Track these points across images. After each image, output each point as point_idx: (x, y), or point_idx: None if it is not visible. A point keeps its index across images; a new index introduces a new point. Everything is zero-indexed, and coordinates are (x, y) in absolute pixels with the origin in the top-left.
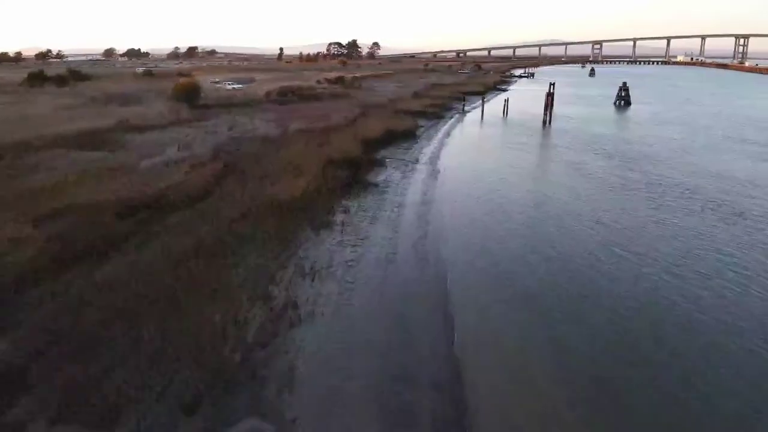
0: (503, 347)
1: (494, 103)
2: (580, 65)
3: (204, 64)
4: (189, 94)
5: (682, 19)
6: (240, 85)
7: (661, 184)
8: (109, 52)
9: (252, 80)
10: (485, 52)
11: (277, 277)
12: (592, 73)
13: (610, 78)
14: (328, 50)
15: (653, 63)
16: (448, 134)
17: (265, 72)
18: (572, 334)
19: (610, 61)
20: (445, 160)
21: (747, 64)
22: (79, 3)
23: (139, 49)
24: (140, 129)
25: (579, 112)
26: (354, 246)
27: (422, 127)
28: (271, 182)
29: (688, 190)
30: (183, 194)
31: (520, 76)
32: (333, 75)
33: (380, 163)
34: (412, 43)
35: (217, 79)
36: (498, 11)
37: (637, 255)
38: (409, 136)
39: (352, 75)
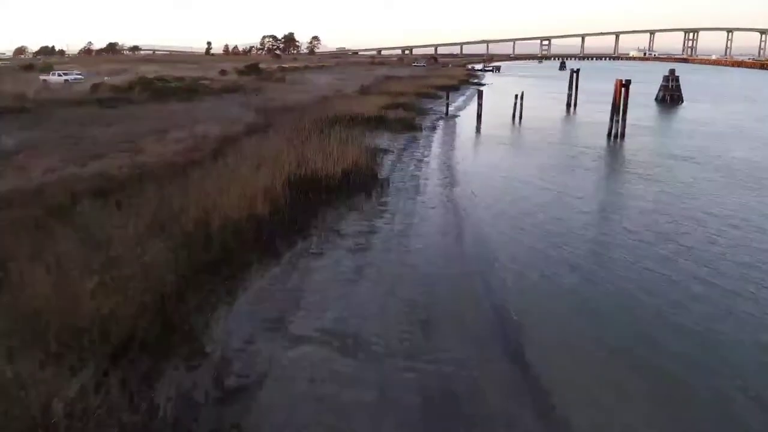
0: None
1: (483, 103)
2: (537, 61)
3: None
4: None
5: (630, 14)
6: (80, 77)
7: None
8: (20, 50)
9: (123, 72)
10: (431, 49)
11: None
12: (562, 66)
13: (586, 72)
14: (262, 44)
15: (604, 59)
16: (452, 177)
17: (160, 63)
18: None
19: (558, 58)
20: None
21: (714, 57)
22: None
23: (53, 47)
24: None
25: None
26: None
27: (389, 153)
28: None
29: None
30: None
31: (483, 70)
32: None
33: None
34: (355, 42)
35: (59, 72)
36: (443, 8)
37: None
38: (361, 188)
39: (277, 65)
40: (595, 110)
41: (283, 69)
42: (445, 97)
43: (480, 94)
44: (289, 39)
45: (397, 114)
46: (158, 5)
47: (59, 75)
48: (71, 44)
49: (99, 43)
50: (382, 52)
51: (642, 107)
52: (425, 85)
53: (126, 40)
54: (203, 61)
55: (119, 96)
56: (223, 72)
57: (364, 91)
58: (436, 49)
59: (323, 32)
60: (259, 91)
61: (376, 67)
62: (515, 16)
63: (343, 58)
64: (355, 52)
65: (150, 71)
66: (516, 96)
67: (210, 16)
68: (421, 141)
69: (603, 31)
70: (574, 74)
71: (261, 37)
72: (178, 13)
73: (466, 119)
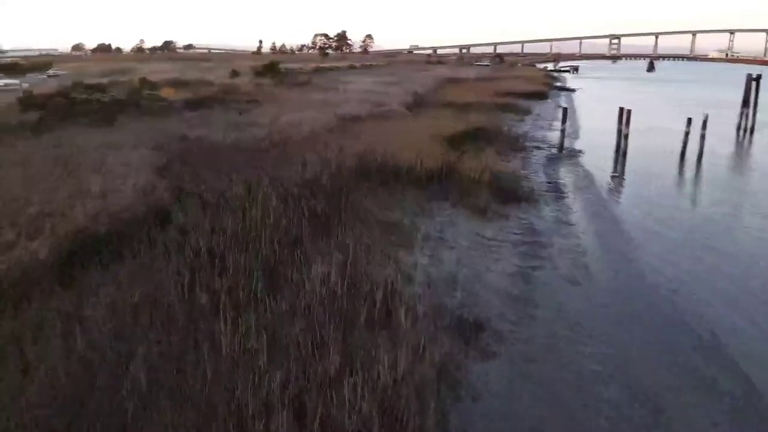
0: None
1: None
2: (611, 61)
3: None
4: None
5: (708, 12)
6: (15, 82)
7: None
8: (78, 47)
9: (119, 72)
10: (491, 48)
11: None
12: (650, 68)
13: (675, 74)
14: (314, 43)
15: (681, 59)
16: None
17: (180, 62)
18: None
19: (631, 57)
20: None
21: None
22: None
23: (110, 45)
24: None
25: None
26: None
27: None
28: None
29: None
30: None
31: (559, 71)
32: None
33: None
34: (410, 41)
35: None
36: (505, 4)
37: None
38: None
39: (315, 65)
40: None
41: (318, 69)
42: (536, 113)
43: (625, 117)
44: (342, 37)
45: (479, 162)
46: (231, 6)
47: None
48: (134, 43)
49: (159, 42)
50: (438, 51)
51: None
52: (501, 92)
53: (187, 40)
54: (240, 59)
55: None
56: (234, 73)
57: (417, 102)
58: (495, 48)
59: (377, 31)
60: (251, 106)
61: (433, 67)
62: (582, 13)
63: (395, 57)
64: (410, 51)
65: (154, 70)
66: (689, 120)
67: (276, 17)
68: (558, 260)
69: (678, 30)
70: (753, 82)
71: (313, 35)
72: (245, 14)
73: (596, 160)
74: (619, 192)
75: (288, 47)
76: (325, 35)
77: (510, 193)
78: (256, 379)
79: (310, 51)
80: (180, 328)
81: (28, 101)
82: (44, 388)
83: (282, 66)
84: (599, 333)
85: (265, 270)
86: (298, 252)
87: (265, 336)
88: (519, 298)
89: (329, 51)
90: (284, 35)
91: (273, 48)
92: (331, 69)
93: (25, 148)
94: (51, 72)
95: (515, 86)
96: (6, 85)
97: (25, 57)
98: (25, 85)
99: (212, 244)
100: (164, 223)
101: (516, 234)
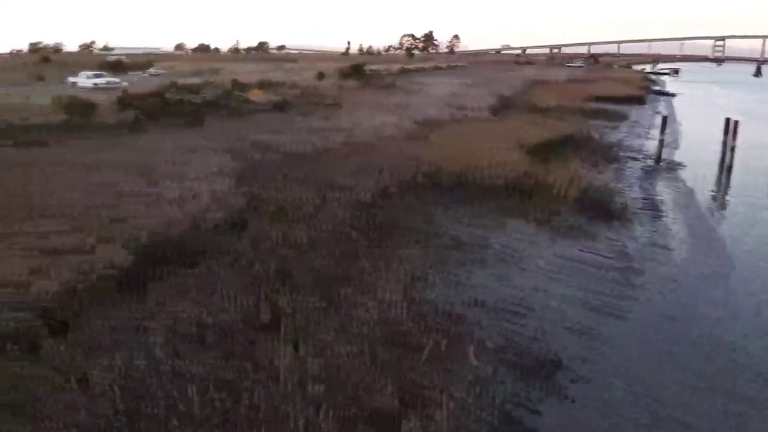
0: None
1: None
2: (715, 63)
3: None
4: None
5: None
6: (116, 80)
7: None
8: (180, 47)
9: (207, 72)
10: (584, 48)
11: None
12: (757, 72)
13: None
14: (401, 44)
15: None
16: None
17: (266, 63)
18: None
19: (736, 61)
20: None
21: None
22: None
23: (209, 45)
24: None
25: None
26: None
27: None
28: None
29: None
30: None
31: (658, 73)
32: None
33: None
34: (499, 42)
35: (87, 73)
36: (599, 2)
37: None
38: None
39: (400, 66)
40: None
41: (403, 70)
42: (632, 120)
43: (731, 128)
44: (428, 38)
45: (567, 172)
46: (322, 8)
47: (87, 77)
48: (231, 43)
49: (254, 43)
50: (527, 51)
51: None
52: (594, 96)
53: (281, 41)
54: (328, 60)
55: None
56: (320, 75)
57: (503, 105)
58: (589, 48)
59: (467, 31)
60: (334, 109)
61: (520, 68)
62: (684, 12)
63: (482, 57)
64: (498, 51)
65: (249, 71)
66: None
67: (365, 18)
68: (652, 292)
69: None
70: None
71: (400, 36)
72: (336, 15)
73: (698, 174)
74: (724, 213)
75: (375, 48)
76: (412, 36)
77: (600, 209)
78: (310, 412)
79: (396, 52)
80: (239, 347)
81: (125, 100)
82: (98, 401)
83: (367, 67)
84: (693, 387)
85: (330, 287)
86: (366, 268)
87: (323, 363)
88: (604, 334)
89: (415, 51)
90: (373, 36)
91: (360, 49)
92: (416, 70)
93: (115, 148)
94: (153, 71)
95: (609, 89)
96: (108, 83)
97: (129, 55)
98: (125, 84)
99: (280, 255)
100: (238, 232)
101: (605, 257)
